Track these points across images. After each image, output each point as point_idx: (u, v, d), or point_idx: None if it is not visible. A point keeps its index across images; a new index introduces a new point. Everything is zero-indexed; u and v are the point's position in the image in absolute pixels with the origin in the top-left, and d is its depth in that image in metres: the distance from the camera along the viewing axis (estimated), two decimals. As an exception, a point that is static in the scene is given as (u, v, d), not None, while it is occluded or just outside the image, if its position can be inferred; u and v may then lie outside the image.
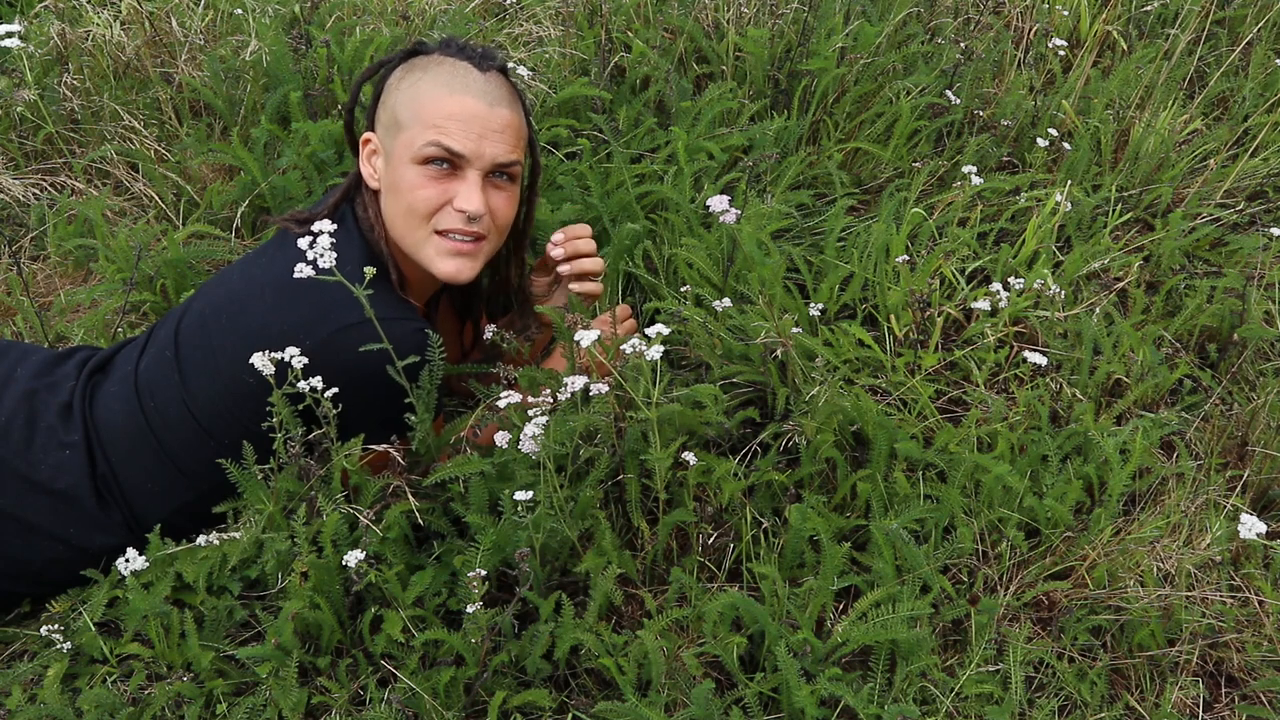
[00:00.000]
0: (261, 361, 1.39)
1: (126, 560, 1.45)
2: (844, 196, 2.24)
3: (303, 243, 1.40)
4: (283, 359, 1.40)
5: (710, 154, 2.21)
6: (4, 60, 2.56)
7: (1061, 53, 2.77)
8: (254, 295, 1.52)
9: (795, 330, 1.73)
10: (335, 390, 1.43)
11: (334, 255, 1.39)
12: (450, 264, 1.56)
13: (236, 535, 1.50)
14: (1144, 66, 2.78)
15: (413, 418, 1.52)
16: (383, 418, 1.53)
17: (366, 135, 1.62)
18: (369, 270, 1.42)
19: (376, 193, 1.61)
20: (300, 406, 1.45)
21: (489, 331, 1.72)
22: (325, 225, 1.41)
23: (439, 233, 1.55)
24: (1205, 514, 1.74)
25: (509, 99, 1.58)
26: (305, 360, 1.40)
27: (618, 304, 1.99)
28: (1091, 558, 1.61)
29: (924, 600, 1.48)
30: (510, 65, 1.62)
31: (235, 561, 1.49)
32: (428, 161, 1.52)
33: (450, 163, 1.53)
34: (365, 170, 1.62)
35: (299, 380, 1.40)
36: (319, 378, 1.42)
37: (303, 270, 1.38)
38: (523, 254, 1.78)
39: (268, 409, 1.45)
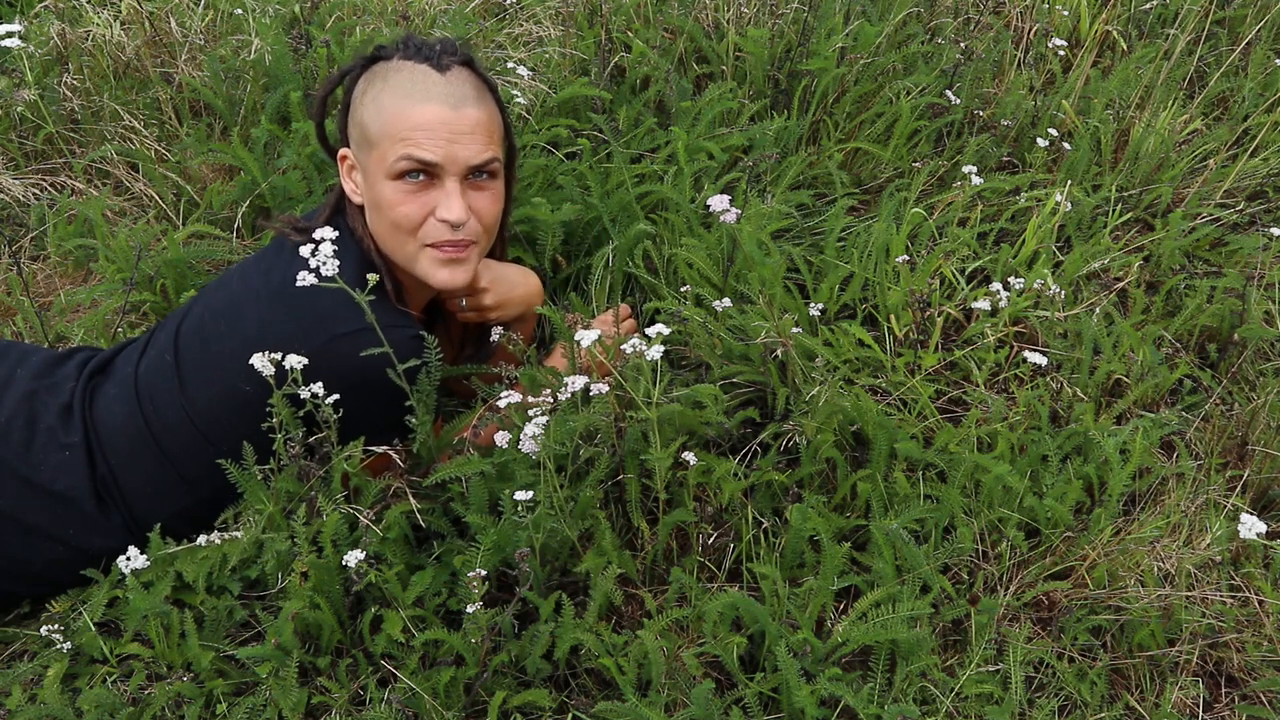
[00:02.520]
0: (261, 363, 1.39)
1: (128, 558, 1.45)
2: (844, 196, 2.24)
3: (304, 250, 1.39)
4: (281, 364, 1.40)
5: (710, 154, 2.21)
6: (4, 60, 2.56)
7: (1061, 53, 2.77)
8: (250, 302, 1.52)
9: (795, 330, 1.73)
10: (333, 398, 1.43)
11: (336, 263, 1.38)
12: (444, 273, 1.56)
13: (237, 534, 1.50)
14: (1144, 66, 2.78)
15: (413, 420, 1.52)
16: (379, 425, 1.52)
17: (343, 152, 1.60)
18: (372, 277, 1.41)
19: (361, 207, 1.60)
20: (301, 413, 1.45)
21: (496, 334, 1.73)
22: (327, 233, 1.41)
23: (428, 246, 1.54)
24: (1205, 514, 1.74)
25: (475, 95, 1.54)
26: (303, 363, 1.40)
27: (618, 304, 1.99)
28: (1091, 558, 1.61)
29: (924, 600, 1.48)
30: (471, 54, 1.59)
31: (235, 561, 1.49)
32: (402, 175, 1.50)
33: (425, 173, 1.51)
34: (347, 186, 1.60)
35: (299, 386, 1.40)
36: (317, 384, 1.42)
37: (306, 279, 1.38)
38: (504, 236, 1.76)
39: (266, 415, 1.44)
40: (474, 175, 1.55)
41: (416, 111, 1.49)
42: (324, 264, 1.38)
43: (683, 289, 1.93)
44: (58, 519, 1.51)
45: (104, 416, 1.56)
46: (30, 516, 1.50)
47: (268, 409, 1.43)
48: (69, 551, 1.52)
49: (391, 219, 1.53)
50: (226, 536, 1.51)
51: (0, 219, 2.30)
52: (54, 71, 2.49)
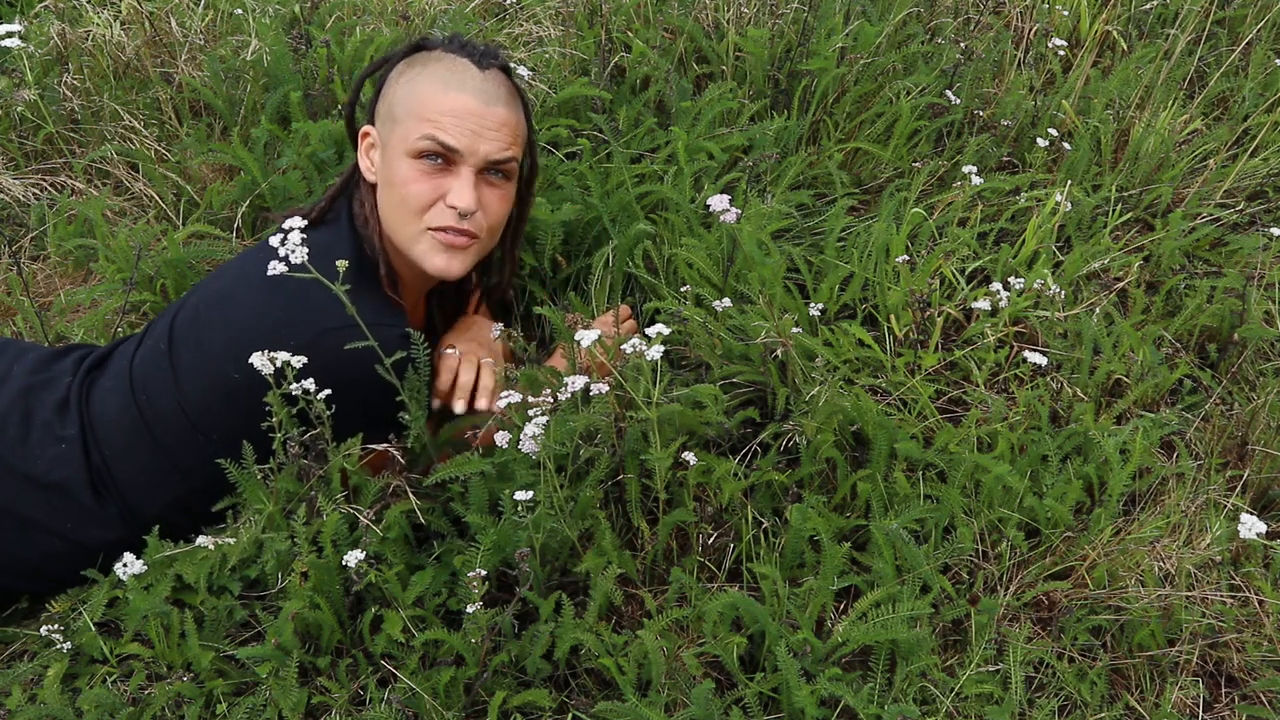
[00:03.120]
0: (261, 361, 1.39)
1: (124, 565, 1.45)
2: (844, 196, 2.24)
3: (274, 240, 1.40)
4: (275, 364, 1.40)
5: (710, 154, 2.21)
6: (4, 60, 2.56)
7: (1061, 53, 2.77)
8: (244, 291, 1.52)
9: (795, 330, 1.73)
10: (325, 393, 1.42)
11: (306, 251, 1.38)
12: (440, 259, 1.56)
13: (232, 541, 1.50)
14: (1144, 66, 2.78)
15: (406, 416, 1.52)
16: (371, 420, 1.53)
17: (365, 128, 1.62)
18: (341, 264, 1.39)
19: (373, 186, 1.61)
20: (295, 411, 1.44)
21: (496, 331, 1.73)
22: (296, 222, 1.41)
23: (431, 229, 1.55)
24: (1205, 514, 1.74)
25: (507, 98, 1.58)
26: (301, 361, 1.40)
27: (618, 304, 1.99)
28: (1091, 558, 1.61)
29: (924, 600, 1.48)
30: (511, 65, 1.61)
31: (235, 561, 1.49)
32: (421, 155, 1.53)
33: (444, 158, 1.53)
34: (363, 163, 1.63)
35: (291, 382, 1.40)
36: (308, 380, 1.42)
37: (276, 268, 1.38)
38: (516, 254, 1.78)
39: (256, 409, 1.44)
40: (490, 172, 1.57)
41: (448, 98, 1.52)
42: (293, 253, 1.38)
43: (683, 289, 1.93)
44: (55, 511, 1.51)
45: (99, 408, 1.56)
46: (27, 510, 1.51)
47: (262, 405, 1.43)
48: (66, 545, 1.52)
49: (401, 195, 1.54)
50: (223, 541, 1.50)
51: (0, 219, 2.30)
52: (54, 71, 2.49)
